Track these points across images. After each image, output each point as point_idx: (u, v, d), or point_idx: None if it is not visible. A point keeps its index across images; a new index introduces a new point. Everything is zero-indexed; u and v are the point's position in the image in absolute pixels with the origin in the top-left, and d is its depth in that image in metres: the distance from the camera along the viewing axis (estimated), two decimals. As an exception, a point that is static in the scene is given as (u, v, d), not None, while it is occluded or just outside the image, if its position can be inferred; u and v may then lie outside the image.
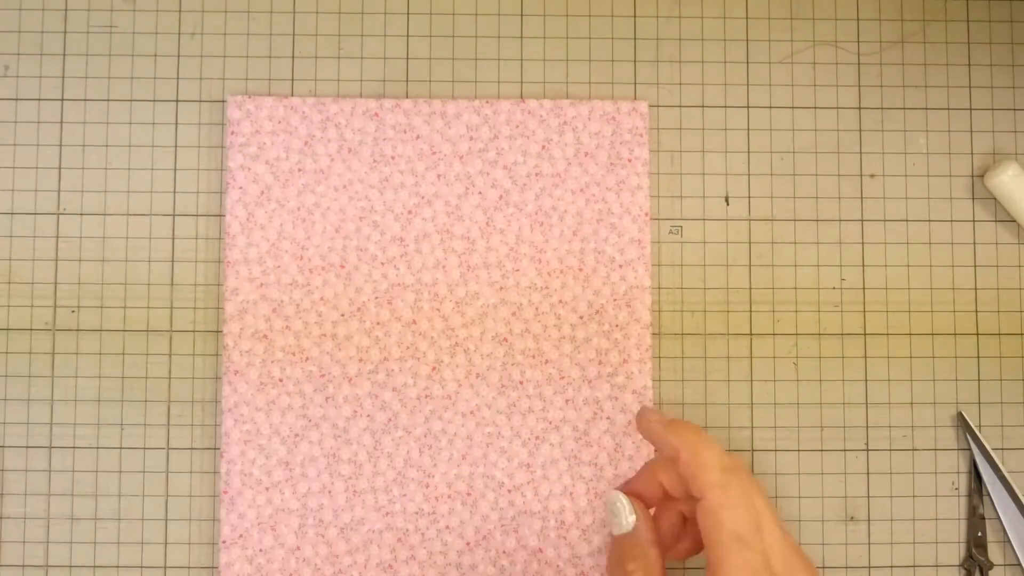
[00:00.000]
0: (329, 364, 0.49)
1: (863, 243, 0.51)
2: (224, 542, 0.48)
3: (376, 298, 0.49)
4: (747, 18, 0.52)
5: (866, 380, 0.50)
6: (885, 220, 0.51)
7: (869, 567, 0.49)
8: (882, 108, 0.51)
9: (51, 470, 0.49)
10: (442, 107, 0.50)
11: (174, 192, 0.50)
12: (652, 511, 0.44)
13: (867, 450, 0.50)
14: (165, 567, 0.48)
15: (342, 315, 0.49)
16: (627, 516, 0.43)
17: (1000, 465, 0.49)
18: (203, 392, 0.49)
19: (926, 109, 0.51)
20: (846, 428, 0.50)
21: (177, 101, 0.50)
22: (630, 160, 0.50)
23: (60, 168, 0.50)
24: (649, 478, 0.44)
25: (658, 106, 0.51)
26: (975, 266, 0.51)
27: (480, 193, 0.49)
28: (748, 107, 0.51)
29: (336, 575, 0.48)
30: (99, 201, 0.50)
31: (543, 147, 0.50)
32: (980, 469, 0.49)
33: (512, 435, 0.49)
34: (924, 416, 0.50)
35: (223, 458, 0.48)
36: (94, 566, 0.48)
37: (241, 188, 0.49)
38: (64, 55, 0.50)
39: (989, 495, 0.49)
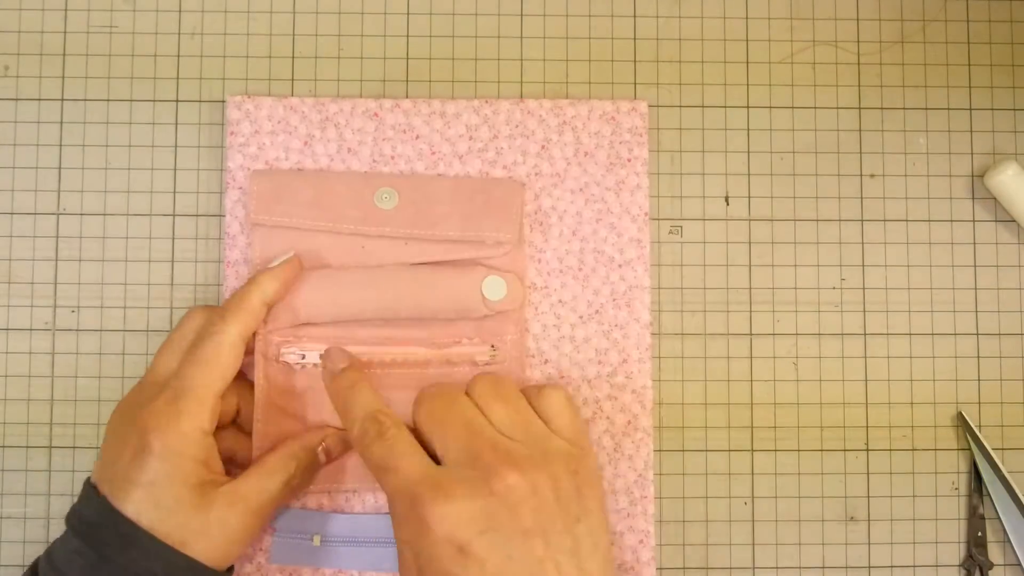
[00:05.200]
0: (329, 364, 0.49)
1: (863, 243, 0.51)
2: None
3: (376, 298, 0.49)
4: (747, 18, 0.52)
5: (866, 380, 0.50)
6: (885, 220, 0.51)
7: (869, 567, 0.49)
8: (882, 108, 0.51)
9: (51, 470, 0.49)
10: (441, 107, 0.50)
11: (174, 192, 0.50)
12: None
13: (867, 450, 0.50)
14: (165, 567, 0.48)
15: (342, 315, 0.49)
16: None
17: (1000, 465, 0.49)
18: (203, 392, 0.49)
19: (926, 109, 0.51)
20: (846, 428, 0.50)
21: (177, 101, 0.50)
22: (629, 160, 0.50)
23: (60, 168, 0.50)
24: None
25: (658, 106, 0.51)
26: (975, 266, 0.51)
27: (480, 193, 0.49)
28: (748, 107, 0.51)
29: (335, 574, 0.48)
30: (99, 201, 0.50)
31: (542, 147, 0.50)
32: (980, 469, 0.49)
33: (512, 435, 0.48)
34: (924, 416, 0.50)
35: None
36: (94, 566, 0.48)
37: (241, 188, 0.49)
38: (64, 55, 0.50)
39: (989, 495, 0.49)
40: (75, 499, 0.43)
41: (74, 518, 0.42)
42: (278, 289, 0.46)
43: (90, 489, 0.42)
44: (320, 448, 0.46)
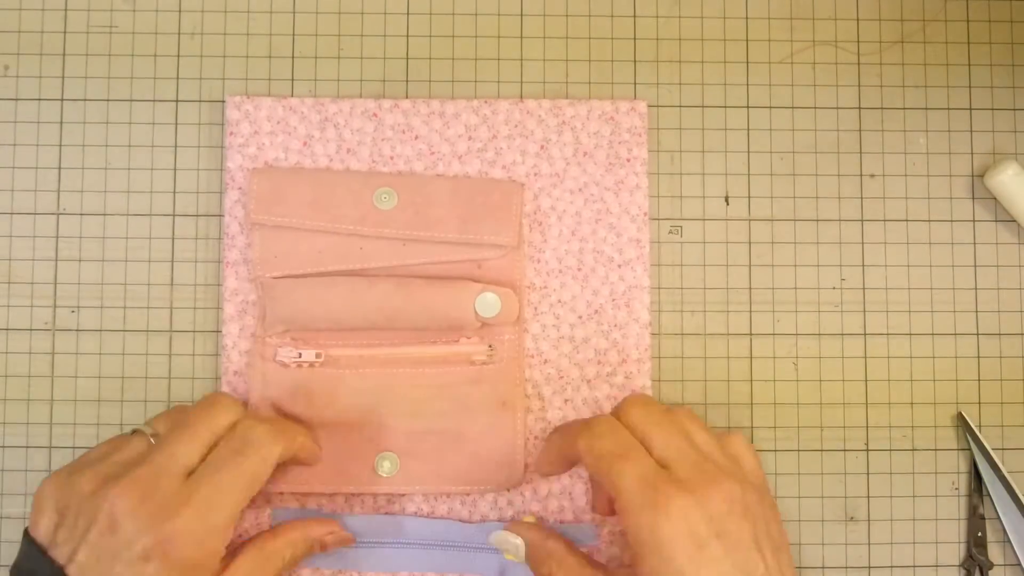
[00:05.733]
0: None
1: (863, 243, 0.51)
2: (224, 542, 0.48)
3: (375, 298, 0.49)
4: (747, 18, 0.52)
5: (866, 380, 0.50)
6: (885, 220, 0.51)
7: (869, 567, 0.49)
8: (882, 108, 0.51)
9: (51, 470, 0.49)
10: (440, 107, 0.50)
11: (174, 192, 0.50)
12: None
13: (867, 450, 0.50)
14: (165, 567, 0.48)
15: (341, 315, 0.49)
16: (514, 545, 0.44)
17: (1000, 465, 0.49)
18: (203, 392, 0.49)
19: (926, 109, 0.51)
20: (846, 428, 0.50)
21: (177, 101, 0.50)
22: (629, 160, 0.50)
23: (60, 168, 0.50)
24: (555, 459, 0.45)
25: (658, 106, 0.51)
26: (975, 266, 0.51)
27: (479, 193, 0.49)
28: (748, 107, 0.51)
29: (336, 575, 0.48)
30: (99, 201, 0.50)
31: (542, 147, 0.50)
32: (980, 469, 0.49)
33: (511, 435, 0.49)
34: (924, 416, 0.50)
35: (223, 458, 0.48)
36: (94, 566, 0.48)
37: (240, 189, 0.49)
38: (64, 55, 0.50)
39: (989, 495, 0.49)
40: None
41: None
42: (311, 450, 0.46)
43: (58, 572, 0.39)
44: (320, 541, 0.46)
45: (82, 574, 0.39)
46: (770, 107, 0.51)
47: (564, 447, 0.44)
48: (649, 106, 0.51)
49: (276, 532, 0.45)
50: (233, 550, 0.43)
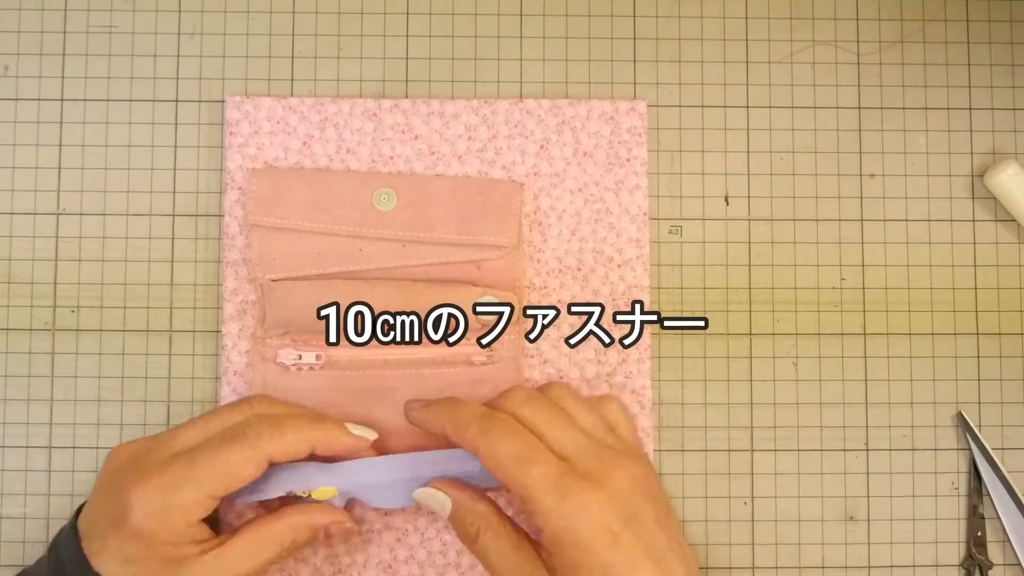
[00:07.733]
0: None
1: (863, 243, 0.51)
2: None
3: (375, 298, 0.49)
4: (747, 18, 0.52)
5: (866, 380, 0.50)
6: (885, 220, 0.51)
7: (869, 567, 0.49)
8: (882, 108, 0.51)
9: (51, 470, 0.49)
10: (440, 107, 0.50)
11: (174, 192, 0.50)
12: None
13: (867, 450, 0.50)
14: (165, 567, 0.48)
15: (341, 315, 0.49)
16: (441, 502, 0.44)
17: (1000, 465, 0.49)
18: (203, 392, 0.49)
19: (926, 109, 0.51)
20: (846, 428, 0.50)
21: (177, 101, 0.50)
22: (628, 160, 0.50)
23: (60, 168, 0.50)
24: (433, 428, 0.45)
25: (657, 106, 0.51)
26: (975, 266, 0.51)
27: (479, 193, 0.49)
28: (748, 107, 0.51)
29: (335, 575, 0.48)
30: (99, 201, 0.50)
31: (541, 147, 0.50)
32: (980, 469, 0.49)
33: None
34: (924, 416, 0.50)
35: (222, 458, 0.48)
36: (94, 566, 0.48)
37: (240, 188, 0.49)
38: (64, 55, 0.50)
39: (989, 495, 0.49)
40: (74, 499, 0.42)
41: (53, 554, 0.41)
42: (317, 446, 0.44)
43: (73, 534, 0.41)
44: (324, 529, 0.44)
45: (84, 535, 0.41)
46: (770, 107, 0.51)
47: (440, 428, 0.44)
48: (649, 106, 0.51)
49: (279, 515, 0.44)
50: (234, 530, 0.43)
